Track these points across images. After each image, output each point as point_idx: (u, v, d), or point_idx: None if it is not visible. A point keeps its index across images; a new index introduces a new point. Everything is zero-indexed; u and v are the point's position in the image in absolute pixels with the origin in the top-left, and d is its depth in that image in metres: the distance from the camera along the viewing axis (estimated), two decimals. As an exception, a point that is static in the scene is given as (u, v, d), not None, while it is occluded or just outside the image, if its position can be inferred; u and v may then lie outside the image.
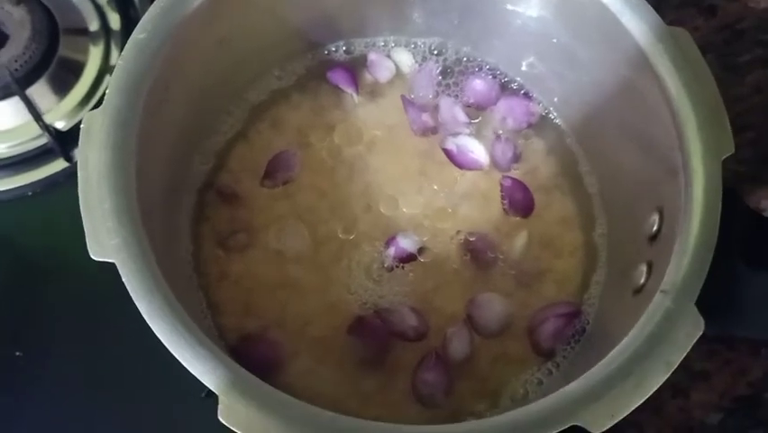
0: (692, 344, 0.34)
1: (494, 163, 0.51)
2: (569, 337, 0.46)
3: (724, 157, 0.38)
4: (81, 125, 0.36)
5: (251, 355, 0.45)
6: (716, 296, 0.36)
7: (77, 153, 0.36)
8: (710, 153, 0.38)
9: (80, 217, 0.34)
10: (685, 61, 0.40)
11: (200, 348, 0.32)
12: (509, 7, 0.48)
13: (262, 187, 0.49)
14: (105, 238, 0.34)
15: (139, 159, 0.37)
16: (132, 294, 0.33)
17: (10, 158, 0.54)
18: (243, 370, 0.33)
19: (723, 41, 0.65)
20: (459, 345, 0.45)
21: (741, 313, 0.37)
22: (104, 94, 0.53)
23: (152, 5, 0.39)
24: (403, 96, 0.52)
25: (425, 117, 0.51)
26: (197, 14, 0.40)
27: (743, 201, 0.39)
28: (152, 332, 0.33)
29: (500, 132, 0.52)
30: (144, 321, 0.33)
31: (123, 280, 0.33)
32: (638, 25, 0.41)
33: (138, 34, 0.38)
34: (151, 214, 0.38)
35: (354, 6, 0.50)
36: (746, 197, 0.59)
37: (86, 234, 0.34)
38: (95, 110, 0.37)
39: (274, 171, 0.50)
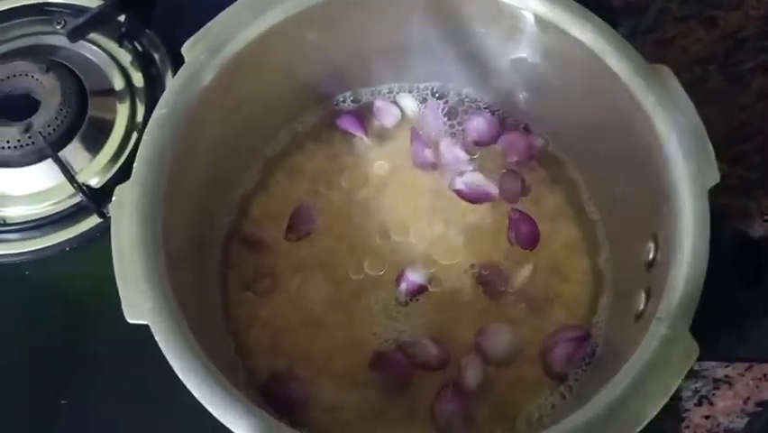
0: (688, 368, 0.36)
1: (503, 196, 0.53)
2: (580, 360, 0.48)
3: (710, 186, 0.40)
4: (113, 198, 0.40)
5: (281, 393, 0.47)
6: (716, 321, 0.38)
7: (111, 226, 0.39)
8: (696, 184, 0.40)
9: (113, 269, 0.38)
10: (668, 96, 0.42)
11: (229, 399, 0.35)
12: (504, 52, 0.50)
13: (286, 240, 0.52)
14: (138, 302, 0.37)
15: (165, 224, 0.41)
16: (165, 353, 0.37)
17: (47, 217, 0.57)
18: (269, 416, 0.36)
19: (725, 51, 0.66)
20: (473, 373, 0.47)
21: (741, 336, 0.39)
22: (133, 149, 0.58)
23: (172, 81, 0.43)
24: (413, 129, 0.55)
25: (428, 153, 0.54)
26: (214, 85, 0.44)
27: (734, 224, 0.41)
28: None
29: (506, 167, 0.54)
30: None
31: (157, 339, 0.37)
32: (622, 65, 0.43)
33: (160, 110, 0.42)
34: (182, 269, 0.42)
35: (360, 59, 0.53)
36: (760, 203, 0.60)
37: (121, 300, 0.38)
38: (125, 183, 0.40)
39: (296, 224, 0.52)
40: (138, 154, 0.41)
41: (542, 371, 0.48)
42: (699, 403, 0.53)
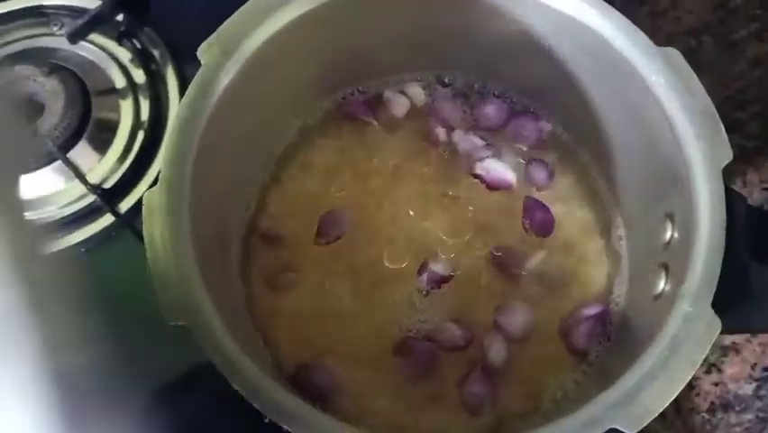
0: (711, 343, 0.37)
1: (532, 184, 0.54)
2: (599, 337, 0.49)
3: (723, 165, 0.41)
4: (142, 204, 0.40)
5: (309, 383, 0.48)
6: (730, 294, 0.39)
7: (144, 232, 0.40)
8: (709, 163, 0.41)
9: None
10: (678, 78, 0.43)
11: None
12: (514, 41, 0.51)
13: (316, 245, 0.52)
14: (177, 306, 0.38)
15: (194, 225, 0.41)
16: (206, 351, 0.38)
17: (60, 219, 0.57)
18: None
19: (717, 20, 0.67)
20: (497, 350, 0.49)
21: (756, 308, 0.40)
22: (140, 148, 0.58)
23: (192, 83, 0.43)
24: (433, 106, 0.56)
25: (440, 131, 0.55)
26: (231, 86, 0.44)
27: (744, 199, 0.42)
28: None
29: (529, 156, 0.55)
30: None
31: (198, 339, 0.38)
32: (631, 49, 0.44)
33: (182, 112, 0.42)
34: (210, 268, 0.42)
35: (369, 51, 0.54)
36: (758, 171, 0.62)
37: (160, 304, 0.38)
38: (153, 189, 0.41)
39: (327, 229, 0.53)
40: (163, 158, 0.41)
41: (562, 348, 0.49)
42: (708, 371, 0.55)
